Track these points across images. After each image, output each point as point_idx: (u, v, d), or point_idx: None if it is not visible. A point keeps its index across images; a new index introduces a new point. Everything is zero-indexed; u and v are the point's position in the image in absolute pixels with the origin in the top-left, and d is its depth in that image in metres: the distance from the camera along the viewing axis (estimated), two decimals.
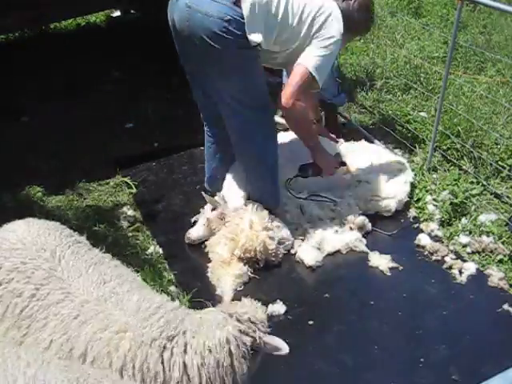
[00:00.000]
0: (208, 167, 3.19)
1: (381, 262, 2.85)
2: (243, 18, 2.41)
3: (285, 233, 2.91)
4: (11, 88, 4.34)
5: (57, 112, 4.19)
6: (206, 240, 2.95)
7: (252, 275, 2.76)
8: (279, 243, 2.85)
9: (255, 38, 2.45)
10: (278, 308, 2.56)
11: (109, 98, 4.45)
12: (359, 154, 3.40)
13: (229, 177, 3.13)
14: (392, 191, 3.19)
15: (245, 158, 2.90)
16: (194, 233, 2.96)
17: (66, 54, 5.00)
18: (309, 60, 2.56)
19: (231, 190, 3.06)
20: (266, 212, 2.90)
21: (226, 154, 3.04)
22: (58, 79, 4.64)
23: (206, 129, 3.08)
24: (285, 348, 1.72)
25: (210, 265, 2.81)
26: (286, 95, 2.56)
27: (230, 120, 2.74)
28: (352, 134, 4.07)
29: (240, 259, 2.76)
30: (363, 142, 3.62)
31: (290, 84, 2.56)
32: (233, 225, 2.84)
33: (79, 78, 4.65)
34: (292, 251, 2.93)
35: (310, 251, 2.87)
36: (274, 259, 2.82)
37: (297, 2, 2.53)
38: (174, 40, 2.66)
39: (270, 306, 2.53)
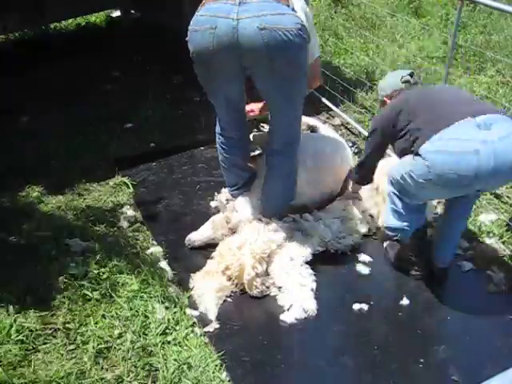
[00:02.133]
0: (232, 177, 3.13)
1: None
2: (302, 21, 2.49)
3: (282, 279, 2.68)
4: (11, 88, 4.34)
5: (57, 112, 4.19)
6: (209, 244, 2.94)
7: (236, 289, 2.66)
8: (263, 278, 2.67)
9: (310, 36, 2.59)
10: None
11: (109, 98, 4.45)
12: None
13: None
14: None
15: (286, 162, 2.90)
16: (196, 235, 2.93)
17: (66, 54, 5.00)
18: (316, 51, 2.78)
19: (246, 202, 3.03)
20: (270, 242, 2.75)
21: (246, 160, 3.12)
22: (58, 79, 4.64)
23: (228, 142, 2.99)
24: None
25: (192, 274, 2.73)
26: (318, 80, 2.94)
27: (284, 122, 2.79)
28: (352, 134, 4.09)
29: (222, 273, 2.70)
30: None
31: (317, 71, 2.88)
32: (232, 238, 2.79)
33: (79, 78, 4.65)
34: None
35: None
36: (248, 290, 2.63)
37: None
38: (209, 59, 2.53)
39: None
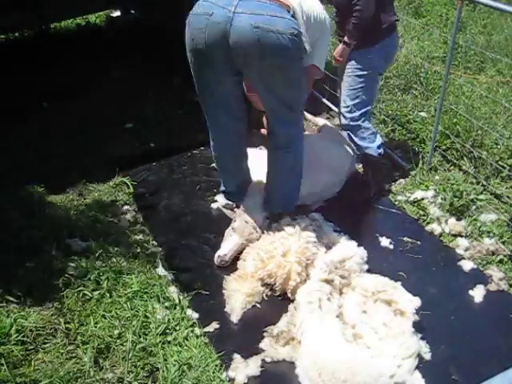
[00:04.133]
0: (229, 180, 3.15)
1: None
2: (300, 28, 2.47)
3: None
4: (11, 88, 4.34)
5: (57, 112, 4.19)
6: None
7: (267, 298, 2.65)
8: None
9: (307, 46, 2.58)
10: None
11: (109, 98, 4.45)
12: None
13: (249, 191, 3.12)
14: None
15: (289, 157, 2.89)
16: (225, 248, 2.83)
17: (66, 54, 5.00)
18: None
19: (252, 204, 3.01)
20: (311, 246, 2.70)
21: (244, 164, 3.11)
22: (57, 79, 4.63)
23: (225, 146, 2.99)
24: None
25: (227, 276, 2.73)
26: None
27: (281, 123, 2.77)
28: None
29: (260, 279, 2.67)
30: None
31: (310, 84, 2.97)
32: (271, 244, 2.73)
33: (79, 78, 4.65)
34: None
35: None
36: (290, 295, 2.60)
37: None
38: (199, 47, 2.50)
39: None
